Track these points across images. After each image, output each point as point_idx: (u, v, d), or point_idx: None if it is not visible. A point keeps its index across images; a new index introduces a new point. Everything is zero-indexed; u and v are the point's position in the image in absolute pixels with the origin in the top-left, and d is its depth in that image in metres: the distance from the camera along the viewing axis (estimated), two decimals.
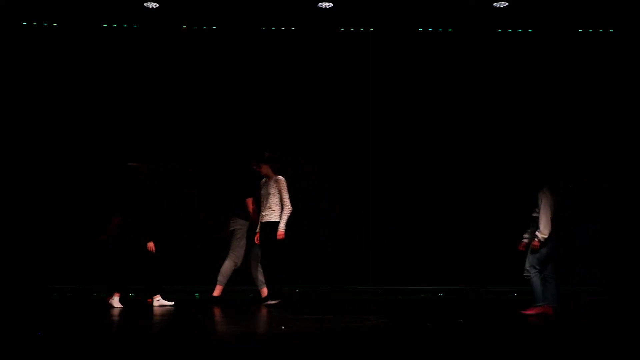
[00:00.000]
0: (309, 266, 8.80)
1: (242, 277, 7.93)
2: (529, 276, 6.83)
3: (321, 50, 9.30)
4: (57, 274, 8.82)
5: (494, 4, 8.52)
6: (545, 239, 6.75)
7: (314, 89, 9.30)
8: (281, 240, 7.45)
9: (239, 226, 7.79)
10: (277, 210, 7.53)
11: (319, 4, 8.55)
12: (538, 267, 6.82)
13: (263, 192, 7.60)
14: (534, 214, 6.92)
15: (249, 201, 7.79)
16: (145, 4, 8.51)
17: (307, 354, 4.81)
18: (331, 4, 8.55)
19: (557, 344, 5.18)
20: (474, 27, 9.20)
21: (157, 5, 8.53)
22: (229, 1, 8.55)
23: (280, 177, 7.58)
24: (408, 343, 5.35)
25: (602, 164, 9.20)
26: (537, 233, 6.78)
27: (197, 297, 8.52)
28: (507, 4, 8.50)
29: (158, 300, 7.45)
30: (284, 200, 7.53)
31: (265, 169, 7.58)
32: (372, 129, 9.22)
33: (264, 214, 7.57)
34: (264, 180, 7.66)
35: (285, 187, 7.55)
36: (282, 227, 7.45)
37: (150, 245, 7.30)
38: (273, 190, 7.54)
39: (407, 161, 9.19)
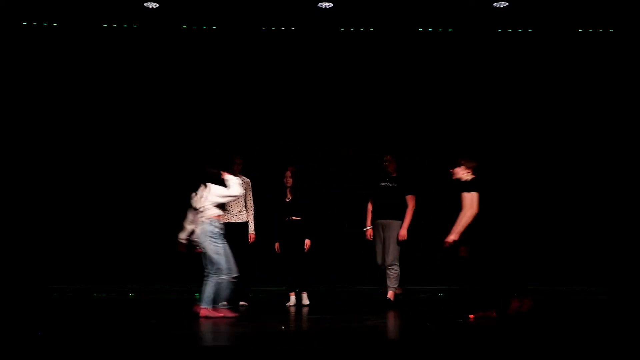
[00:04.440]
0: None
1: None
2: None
3: (321, 50, 9.30)
4: (57, 274, 8.82)
5: (494, 4, 8.52)
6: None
7: (314, 89, 9.30)
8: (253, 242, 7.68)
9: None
10: (244, 211, 7.64)
11: (319, 4, 8.55)
12: (214, 268, 6.63)
13: None
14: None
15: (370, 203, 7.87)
16: (145, 4, 8.51)
17: (307, 354, 4.81)
18: (331, 4, 8.55)
19: (557, 343, 5.18)
20: (474, 27, 9.19)
21: (157, 5, 8.52)
22: (229, 1, 8.55)
23: (247, 179, 7.67)
24: (408, 343, 5.35)
25: (602, 163, 9.19)
26: None
27: (197, 296, 8.51)
28: (507, 4, 8.50)
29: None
30: (251, 201, 7.67)
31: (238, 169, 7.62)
32: (371, 129, 9.21)
33: (236, 214, 7.60)
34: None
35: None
36: (252, 229, 7.64)
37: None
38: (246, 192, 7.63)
39: (406, 161, 9.16)
